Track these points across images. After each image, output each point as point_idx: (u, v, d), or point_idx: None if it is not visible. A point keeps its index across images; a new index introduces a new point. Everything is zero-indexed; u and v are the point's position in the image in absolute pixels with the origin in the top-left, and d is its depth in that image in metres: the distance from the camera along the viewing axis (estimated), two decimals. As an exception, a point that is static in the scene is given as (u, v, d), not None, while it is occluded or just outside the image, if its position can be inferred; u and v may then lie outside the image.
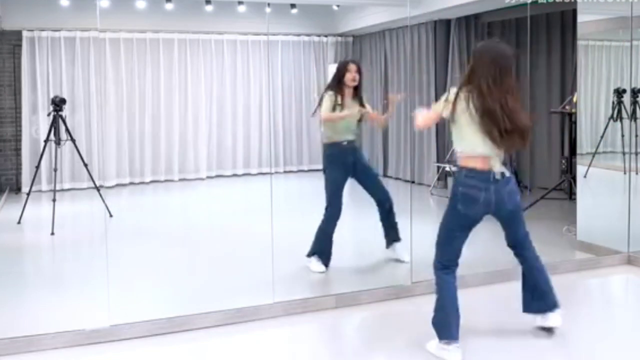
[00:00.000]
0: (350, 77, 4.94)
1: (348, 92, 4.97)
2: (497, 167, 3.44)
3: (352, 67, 4.97)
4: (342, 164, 4.98)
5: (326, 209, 4.97)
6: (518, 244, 3.70)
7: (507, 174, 3.50)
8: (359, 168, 5.05)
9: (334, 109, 4.89)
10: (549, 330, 3.71)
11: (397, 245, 5.17)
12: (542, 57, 8.29)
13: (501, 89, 3.34)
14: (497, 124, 3.33)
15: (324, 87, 5.12)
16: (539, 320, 3.74)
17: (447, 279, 3.50)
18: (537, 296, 3.70)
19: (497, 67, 3.36)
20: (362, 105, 5.00)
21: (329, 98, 4.92)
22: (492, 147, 3.40)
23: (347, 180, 5.03)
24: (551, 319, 3.69)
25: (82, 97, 8.80)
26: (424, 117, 3.61)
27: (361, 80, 5.01)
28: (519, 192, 3.59)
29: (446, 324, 3.44)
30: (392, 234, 5.19)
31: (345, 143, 4.98)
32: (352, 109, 4.92)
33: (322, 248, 4.97)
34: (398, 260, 5.09)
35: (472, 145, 3.41)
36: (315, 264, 4.96)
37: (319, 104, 4.98)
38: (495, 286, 4.62)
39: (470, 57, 3.54)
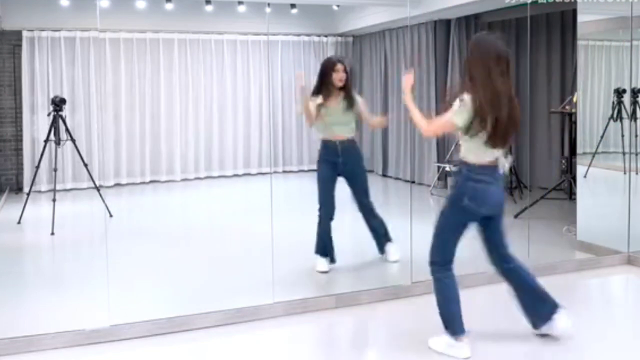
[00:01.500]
0: (338, 77, 4.85)
1: (336, 93, 4.88)
2: (502, 163, 3.44)
3: (340, 67, 4.87)
4: (331, 163, 4.92)
5: (319, 209, 4.95)
6: (503, 251, 3.60)
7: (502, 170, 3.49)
8: (348, 168, 4.96)
9: (318, 110, 4.83)
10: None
11: (388, 245, 5.14)
12: (542, 57, 8.29)
13: (501, 76, 3.31)
14: (500, 110, 3.28)
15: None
16: (546, 329, 3.63)
17: (450, 276, 3.49)
18: (539, 305, 3.60)
19: (493, 57, 3.32)
20: (351, 104, 4.89)
21: (313, 100, 4.85)
22: (500, 148, 3.40)
23: (335, 179, 4.96)
24: (558, 322, 3.59)
25: (82, 97, 8.79)
26: (436, 125, 3.49)
27: (348, 79, 4.90)
28: None
29: (453, 320, 3.45)
30: (382, 238, 5.14)
31: (334, 141, 4.91)
32: (333, 109, 4.85)
33: (323, 247, 4.97)
34: (394, 261, 5.08)
35: (483, 155, 3.39)
36: (319, 263, 4.97)
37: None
38: (494, 286, 4.61)
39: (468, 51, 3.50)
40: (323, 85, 4.88)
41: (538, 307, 3.60)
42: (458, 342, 3.43)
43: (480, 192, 3.39)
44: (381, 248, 5.18)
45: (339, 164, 4.93)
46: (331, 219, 4.94)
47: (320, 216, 4.95)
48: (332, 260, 4.99)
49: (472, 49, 3.41)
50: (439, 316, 3.51)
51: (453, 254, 3.50)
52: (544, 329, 3.63)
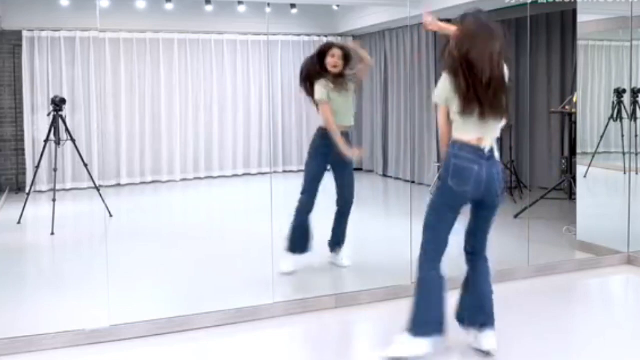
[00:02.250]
0: (332, 62, 4.71)
1: (333, 79, 4.72)
2: (489, 144, 3.33)
3: (336, 51, 4.74)
4: (324, 154, 4.83)
5: (300, 199, 4.83)
6: (478, 246, 3.48)
7: (497, 155, 3.39)
8: (338, 160, 4.84)
9: (329, 95, 4.68)
10: (486, 354, 3.43)
11: (340, 249, 5.07)
12: (542, 57, 8.29)
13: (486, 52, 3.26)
14: (479, 74, 3.20)
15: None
16: (472, 338, 3.50)
17: (435, 275, 3.34)
18: (474, 310, 3.44)
19: (479, 35, 3.32)
20: (347, 89, 4.75)
21: (323, 86, 4.68)
22: (484, 123, 3.28)
23: (324, 171, 4.89)
24: (486, 340, 3.42)
25: (82, 97, 8.79)
26: (441, 131, 3.43)
27: (346, 67, 4.74)
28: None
29: (426, 323, 3.31)
30: (338, 238, 5.06)
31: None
32: (342, 100, 4.75)
33: (294, 241, 4.86)
34: (336, 265, 5.05)
35: (467, 132, 3.30)
36: (284, 262, 4.83)
37: (310, 92, 4.75)
38: (494, 286, 4.61)
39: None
40: (321, 69, 4.74)
41: (470, 310, 3.47)
42: (419, 339, 3.28)
43: (462, 170, 3.26)
44: (334, 246, 5.07)
45: (332, 154, 4.81)
46: (310, 209, 4.82)
47: (298, 204, 4.81)
48: (306, 250, 4.87)
49: (460, 24, 3.44)
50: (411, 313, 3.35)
51: (442, 247, 3.35)
52: (467, 332, 3.52)
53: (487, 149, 3.31)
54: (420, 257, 3.40)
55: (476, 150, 3.29)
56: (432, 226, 3.36)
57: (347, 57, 4.79)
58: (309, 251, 4.93)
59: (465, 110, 3.24)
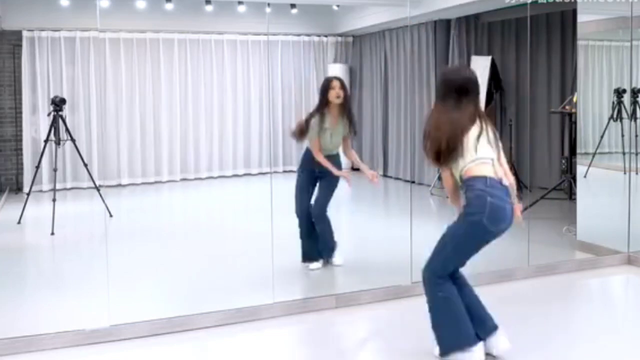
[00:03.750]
0: (334, 94, 4.93)
1: (334, 111, 4.97)
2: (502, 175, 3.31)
3: (336, 83, 4.97)
4: (311, 171, 5.04)
5: (298, 217, 5.08)
6: (458, 269, 3.44)
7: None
8: (323, 176, 5.04)
9: (319, 132, 4.94)
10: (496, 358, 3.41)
11: (332, 254, 5.16)
12: (542, 57, 8.29)
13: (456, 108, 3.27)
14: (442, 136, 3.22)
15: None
16: (489, 346, 3.43)
17: (450, 287, 3.32)
18: (478, 321, 3.39)
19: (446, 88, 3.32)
20: (350, 120, 5.02)
21: (315, 125, 4.94)
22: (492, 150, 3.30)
23: (312, 187, 5.07)
24: (500, 341, 3.40)
25: (82, 97, 8.80)
26: (449, 191, 3.41)
27: (346, 96, 5.01)
28: None
29: (465, 331, 3.31)
30: (326, 245, 5.14)
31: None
32: (335, 139, 4.98)
33: (304, 251, 5.09)
34: (330, 264, 5.12)
35: (484, 168, 3.26)
36: (311, 264, 5.08)
37: (306, 129, 5.00)
38: (494, 286, 4.62)
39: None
40: (324, 104, 4.97)
41: (479, 323, 3.42)
42: (466, 353, 3.29)
43: (499, 210, 3.20)
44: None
45: (317, 172, 5.03)
46: (305, 221, 5.04)
47: (300, 222, 5.05)
48: (322, 258, 5.08)
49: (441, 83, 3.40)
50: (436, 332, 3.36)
51: (456, 269, 3.38)
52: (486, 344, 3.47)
53: (504, 183, 3.29)
54: (436, 279, 3.34)
55: (502, 186, 3.26)
56: (452, 258, 3.34)
57: (344, 87, 5.02)
58: (322, 258, 5.08)
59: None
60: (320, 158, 4.94)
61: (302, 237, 5.09)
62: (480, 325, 3.39)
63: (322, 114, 4.96)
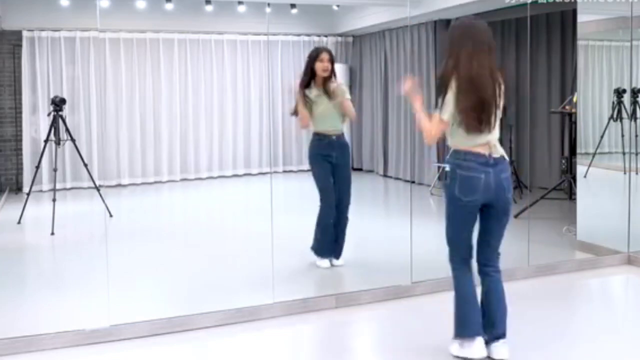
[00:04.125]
0: (322, 66, 4.83)
1: (320, 82, 4.86)
2: (497, 150, 3.29)
3: (325, 56, 4.85)
4: (323, 158, 4.91)
5: (321, 206, 4.95)
6: (492, 255, 3.43)
7: (506, 157, 3.34)
8: (337, 164, 4.95)
9: (305, 104, 4.84)
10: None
11: (338, 256, 5.10)
12: (542, 57, 8.29)
13: (480, 56, 3.21)
14: (484, 91, 3.18)
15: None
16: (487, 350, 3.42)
17: (463, 275, 3.36)
18: (486, 323, 3.38)
19: (470, 39, 3.26)
20: (332, 93, 4.85)
21: (298, 99, 4.88)
22: (488, 131, 3.25)
23: (331, 172, 4.94)
24: (498, 350, 3.36)
25: (82, 97, 8.80)
26: (429, 129, 3.32)
27: (333, 69, 4.88)
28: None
29: (465, 321, 3.34)
30: (335, 250, 5.09)
31: (326, 136, 4.91)
32: (322, 102, 4.84)
33: (318, 243, 4.98)
34: (331, 264, 5.08)
35: (471, 139, 3.25)
36: (319, 260, 5.01)
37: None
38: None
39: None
40: (309, 75, 4.87)
41: (486, 325, 3.41)
42: (469, 342, 3.31)
43: (469, 179, 3.23)
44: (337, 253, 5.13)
45: (333, 158, 4.93)
46: (331, 213, 4.91)
47: (320, 209, 4.92)
48: (332, 257, 5.02)
49: (449, 34, 3.36)
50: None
51: (468, 250, 3.37)
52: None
53: (493, 155, 3.27)
54: (451, 264, 3.41)
55: (482, 158, 3.24)
56: (452, 238, 3.38)
57: (333, 61, 4.91)
58: (332, 258, 5.04)
59: (469, 126, 3.21)
60: (303, 119, 4.84)
61: (323, 228, 4.94)
62: (488, 327, 3.38)
63: (303, 89, 4.84)
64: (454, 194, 3.27)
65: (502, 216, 3.37)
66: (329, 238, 4.98)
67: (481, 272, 3.45)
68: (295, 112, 5.00)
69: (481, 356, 3.31)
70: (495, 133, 3.32)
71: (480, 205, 3.30)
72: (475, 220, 3.36)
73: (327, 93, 4.86)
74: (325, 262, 5.01)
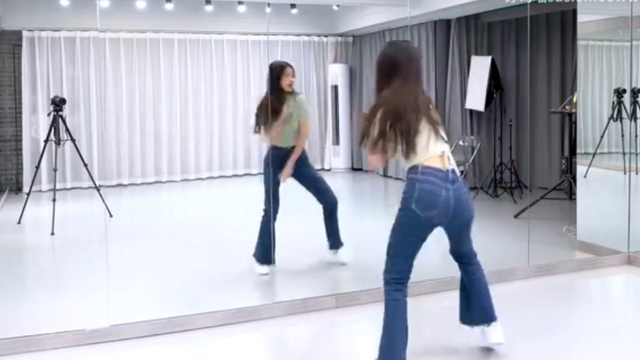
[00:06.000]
0: (287, 82, 4.80)
1: (284, 97, 4.81)
2: (453, 164, 3.20)
3: (289, 70, 4.81)
4: (275, 167, 4.88)
5: (265, 210, 4.90)
6: (465, 255, 3.43)
7: (461, 178, 3.23)
8: (297, 171, 4.92)
9: (266, 117, 4.77)
10: (491, 350, 3.46)
11: (338, 249, 5.10)
12: (542, 57, 8.29)
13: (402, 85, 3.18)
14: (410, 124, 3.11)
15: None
16: (480, 337, 3.48)
17: (397, 297, 3.29)
18: (475, 308, 3.44)
19: (382, 70, 3.25)
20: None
21: (256, 117, 4.83)
22: (438, 140, 3.18)
23: (277, 182, 4.91)
24: (493, 333, 3.41)
25: (82, 97, 8.80)
26: (372, 151, 3.23)
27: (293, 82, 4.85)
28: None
29: (392, 345, 3.22)
30: (331, 239, 5.08)
31: (283, 147, 4.87)
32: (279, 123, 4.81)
33: (259, 249, 4.90)
34: (335, 262, 5.08)
35: (425, 150, 3.16)
36: (258, 266, 4.89)
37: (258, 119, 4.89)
38: (494, 286, 4.61)
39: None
40: (274, 90, 4.81)
41: (472, 310, 3.45)
42: None
43: (428, 194, 3.10)
44: (330, 245, 5.11)
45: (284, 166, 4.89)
46: (271, 219, 4.84)
47: (265, 218, 4.86)
48: (268, 264, 4.89)
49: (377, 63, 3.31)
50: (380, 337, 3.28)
51: (407, 271, 3.29)
52: (469, 330, 3.49)
53: (450, 170, 3.17)
54: (385, 285, 3.32)
55: (440, 172, 3.14)
56: (395, 250, 3.28)
57: (294, 73, 4.88)
58: (272, 263, 4.90)
59: (411, 152, 3.14)
60: (264, 138, 4.83)
61: (266, 235, 4.86)
62: (480, 313, 3.42)
63: (272, 102, 4.77)
64: (410, 207, 3.12)
65: (463, 229, 3.32)
66: (265, 244, 4.88)
67: (461, 264, 3.46)
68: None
69: None
70: (447, 151, 3.23)
71: (436, 225, 3.19)
72: (424, 240, 3.22)
73: (290, 110, 4.84)
74: (262, 268, 4.86)
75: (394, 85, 3.20)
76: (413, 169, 3.16)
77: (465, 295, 3.50)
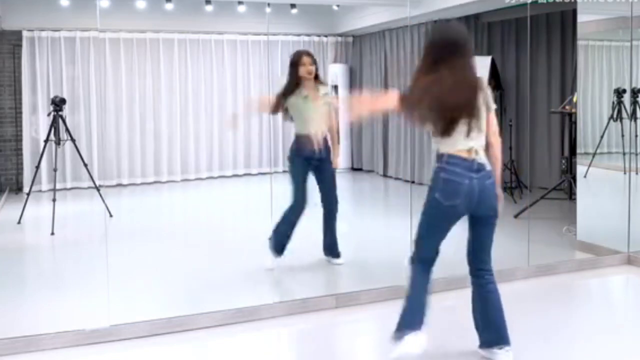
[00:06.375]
0: (305, 70, 4.84)
1: (307, 85, 4.87)
2: (479, 155, 3.22)
3: (307, 59, 4.86)
4: (303, 158, 4.91)
5: (292, 204, 4.90)
6: (483, 261, 3.38)
7: (488, 167, 3.26)
8: (318, 165, 4.94)
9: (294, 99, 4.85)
10: None
11: (333, 255, 5.11)
12: (542, 57, 8.29)
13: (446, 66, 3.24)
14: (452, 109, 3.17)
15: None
16: (487, 354, 3.40)
17: (422, 276, 3.29)
18: (487, 328, 3.36)
19: (437, 49, 3.34)
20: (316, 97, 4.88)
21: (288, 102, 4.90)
22: (471, 136, 3.20)
23: (307, 174, 4.95)
24: (499, 357, 3.32)
25: (82, 97, 8.80)
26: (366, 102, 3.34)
27: (317, 69, 4.91)
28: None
29: (412, 312, 3.22)
30: (329, 248, 5.11)
31: (307, 137, 4.89)
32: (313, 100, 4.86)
33: (276, 240, 4.89)
34: (331, 263, 5.10)
35: (452, 143, 3.21)
36: (268, 257, 4.91)
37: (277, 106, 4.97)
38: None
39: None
40: (295, 79, 4.87)
41: (486, 331, 3.39)
42: (409, 335, 3.16)
43: (452, 185, 3.15)
44: (326, 253, 5.13)
45: (313, 159, 4.92)
46: (299, 213, 4.88)
47: (289, 207, 4.87)
48: (279, 254, 4.91)
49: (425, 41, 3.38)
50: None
51: (434, 252, 3.30)
52: (484, 353, 3.42)
53: (477, 161, 3.20)
54: (411, 266, 3.31)
55: (465, 162, 3.18)
56: (422, 236, 3.31)
57: (316, 62, 4.94)
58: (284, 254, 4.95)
59: (445, 133, 3.20)
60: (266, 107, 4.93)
61: (285, 227, 4.88)
62: (494, 333, 3.34)
63: (294, 91, 4.84)
64: (434, 196, 3.20)
65: (487, 220, 3.32)
66: (284, 238, 4.92)
67: (475, 275, 3.39)
68: (273, 108, 5.04)
69: (420, 350, 3.19)
70: (480, 141, 3.25)
71: (462, 214, 3.23)
72: (450, 228, 3.27)
73: (316, 95, 4.92)
74: (270, 262, 4.91)
75: (450, 64, 3.25)
76: (440, 157, 3.24)
77: (478, 312, 3.40)
